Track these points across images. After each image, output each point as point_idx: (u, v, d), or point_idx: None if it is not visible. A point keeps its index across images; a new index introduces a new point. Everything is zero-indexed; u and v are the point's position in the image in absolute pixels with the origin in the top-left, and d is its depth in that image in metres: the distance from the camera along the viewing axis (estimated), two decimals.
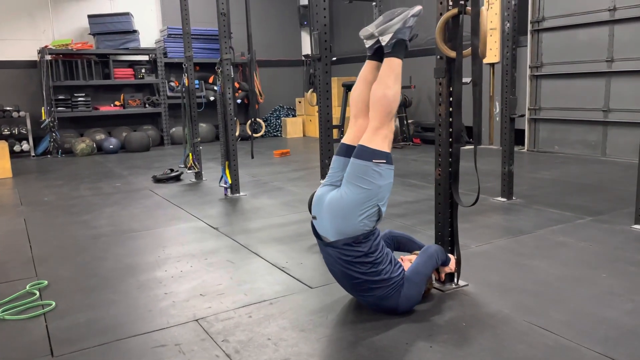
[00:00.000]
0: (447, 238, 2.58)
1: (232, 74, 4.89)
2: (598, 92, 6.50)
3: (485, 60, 8.07)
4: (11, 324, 2.37)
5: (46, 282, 2.84)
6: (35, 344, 2.18)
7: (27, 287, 2.76)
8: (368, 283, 2.20)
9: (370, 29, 2.26)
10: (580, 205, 4.14)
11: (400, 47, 2.24)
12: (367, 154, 2.14)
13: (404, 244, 2.56)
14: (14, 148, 8.24)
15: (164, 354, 2.04)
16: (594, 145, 6.65)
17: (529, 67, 7.19)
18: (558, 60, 6.91)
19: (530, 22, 7.09)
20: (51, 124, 8.35)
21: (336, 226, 2.17)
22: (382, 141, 2.17)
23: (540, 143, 7.32)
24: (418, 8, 2.27)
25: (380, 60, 2.30)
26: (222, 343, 2.11)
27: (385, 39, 2.22)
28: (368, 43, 2.31)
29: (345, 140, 2.33)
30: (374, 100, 2.21)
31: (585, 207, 4.06)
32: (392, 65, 2.23)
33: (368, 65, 2.35)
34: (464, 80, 2.37)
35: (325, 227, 2.22)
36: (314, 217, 2.30)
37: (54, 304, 2.54)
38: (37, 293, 2.68)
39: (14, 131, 8.27)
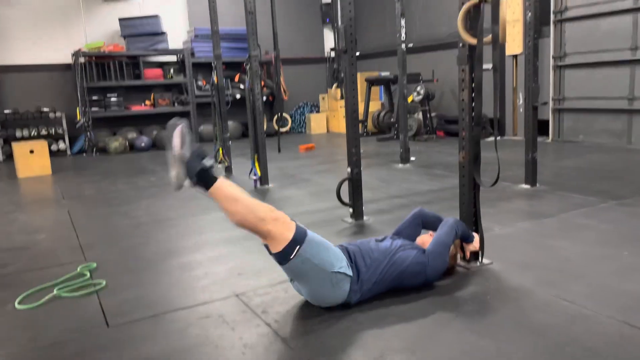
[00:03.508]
0: (472, 218, 2.71)
1: (259, 70, 5.07)
2: (622, 80, 6.49)
3: (508, 52, 8.15)
4: (67, 301, 2.59)
5: (95, 264, 3.06)
6: (92, 317, 2.38)
7: (78, 269, 2.97)
8: (395, 282, 2.37)
9: (172, 178, 2.19)
10: (604, 190, 4.20)
11: (204, 176, 2.16)
12: (282, 258, 2.17)
13: (431, 222, 2.69)
14: (51, 147, 8.58)
15: (210, 324, 2.22)
16: (619, 133, 6.64)
17: (552, 57, 7.20)
18: (581, 50, 6.92)
19: (553, 13, 7.11)
20: (86, 124, 8.69)
21: (331, 305, 2.29)
22: (279, 239, 2.15)
23: (564, 133, 7.33)
24: (177, 136, 2.16)
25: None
26: (262, 314, 2.28)
27: (187, 184, 2.18)
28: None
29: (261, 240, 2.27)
30: (240, 227, 2.20)
31: (609, 192, 4.11)
32: (218, 195, 2.17)
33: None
34: (485, 66, 2.49)
35: None
36: None
37: (104, 282, 2.75)
38: (88, 274, 2.90)
39: (51, 131, 8.65)
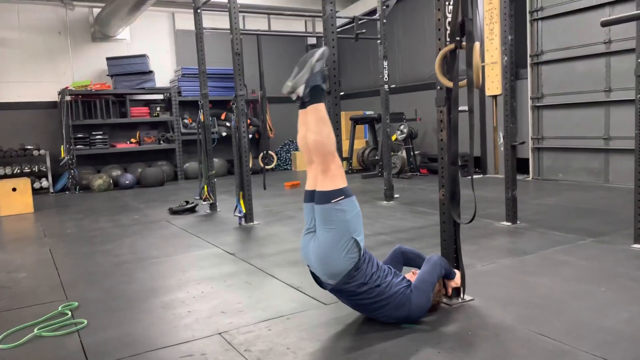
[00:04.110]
0: (453, 255, 2.76)
1: (245, 109, 5.17)
2: (598, 120, 6.72)
3: (488, 93, 8.39)
4: (48, 340, 2.55)
5: (76, 303, 3.03)
6: (73, 356, 2.35)
7: (60, 308, 2.94)
8: (378, 303, 2.41)
9: (288, 83, 2.40)
10: (582, 227, 4.29)
11: (316, 93, 2.39)
12: (325, 197, 2.33)
13: (412, 259, 2.74)
14: (34, 185, 8.53)
15: None
16: (596, 172, 6.82)
17: (530, 98, 7.44)
18: (558, 91, 7.17)
19: (530, 56, 7.39)
20: (70, 162, 8.67)
21: (327, 271, 2.39)
22: (332, 180, 2.35)
23: (544, 171, 7.50)
24: (320, 52, 2.41)
25: None
26: (245, 352, 2.28)
27: (300, 91, 2.38)
28: (293, 97, 2.43)
29: (308, 187, 2.48)
30: (311, 148, 2.39)
31: (587, 230, 4.21)
32: (316, 112, 2.38)
33: (301, 115, 2.47)
34: (462, 108, 2.60)
35: (320, 273, 2.44)
36: (309, 266, 2.50)
37: (85, 322, 2.72)
38: (69, 313, 2.87)
39: (34, 169, 8.61)
